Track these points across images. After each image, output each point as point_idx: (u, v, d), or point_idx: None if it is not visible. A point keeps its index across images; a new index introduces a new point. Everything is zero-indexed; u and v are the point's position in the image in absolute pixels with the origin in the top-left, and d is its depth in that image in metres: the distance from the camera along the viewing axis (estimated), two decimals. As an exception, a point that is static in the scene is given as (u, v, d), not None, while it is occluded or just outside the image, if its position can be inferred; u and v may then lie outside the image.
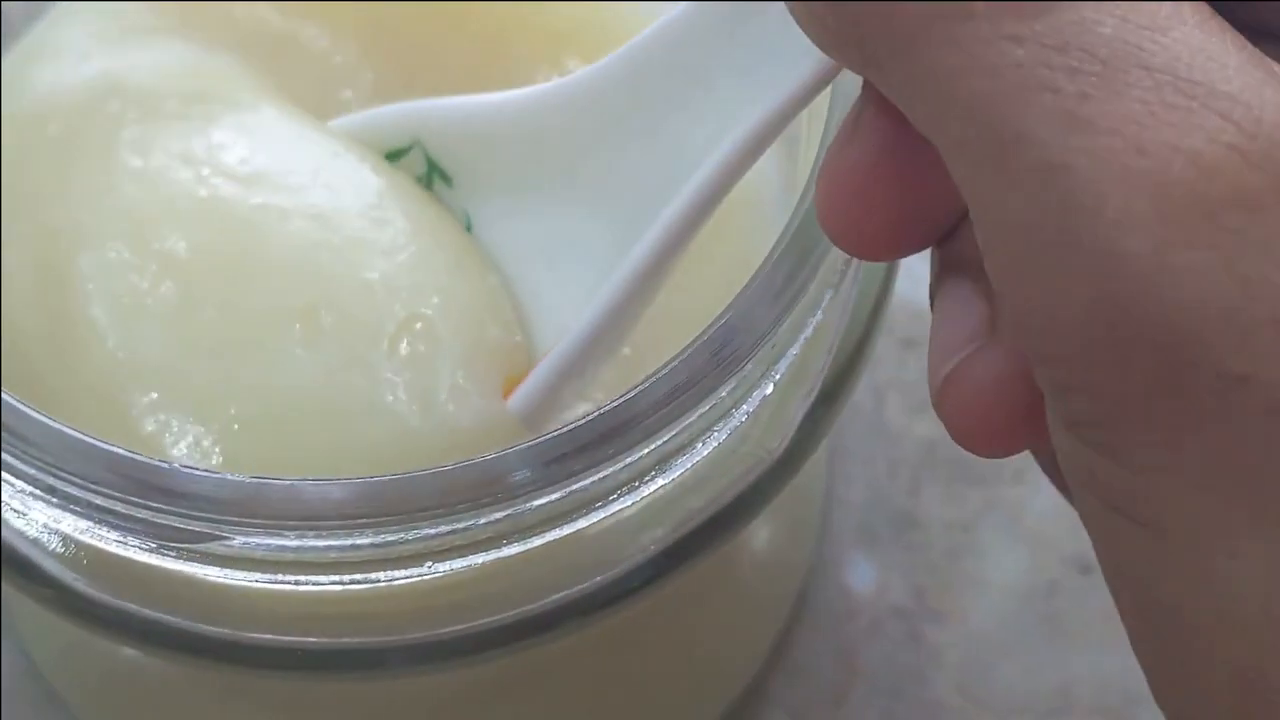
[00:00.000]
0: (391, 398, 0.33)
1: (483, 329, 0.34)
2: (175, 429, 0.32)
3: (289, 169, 0.34)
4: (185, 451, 0.32)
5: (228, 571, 0.30)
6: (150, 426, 0.32)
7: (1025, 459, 0.44)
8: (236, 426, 0.32)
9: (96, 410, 0.32)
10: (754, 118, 0.29)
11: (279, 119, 0.35)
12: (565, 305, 0.34)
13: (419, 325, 0.34)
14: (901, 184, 0.25)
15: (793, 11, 0.25)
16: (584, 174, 0.33)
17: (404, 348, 0.33)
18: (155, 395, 0.33)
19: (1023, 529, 0.45)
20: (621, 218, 0.33)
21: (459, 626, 0.32)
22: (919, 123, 0.23)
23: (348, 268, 0.34)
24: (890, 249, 0.26)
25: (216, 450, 0.32)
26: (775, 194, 0.36)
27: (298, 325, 0.33)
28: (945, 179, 0.23)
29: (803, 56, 0.28)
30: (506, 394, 0.34)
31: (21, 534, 0.31)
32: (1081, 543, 0.44)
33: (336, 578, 0.30)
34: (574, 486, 0.30)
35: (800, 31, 0.25)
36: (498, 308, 0.34)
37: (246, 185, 0.34)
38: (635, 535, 0.32)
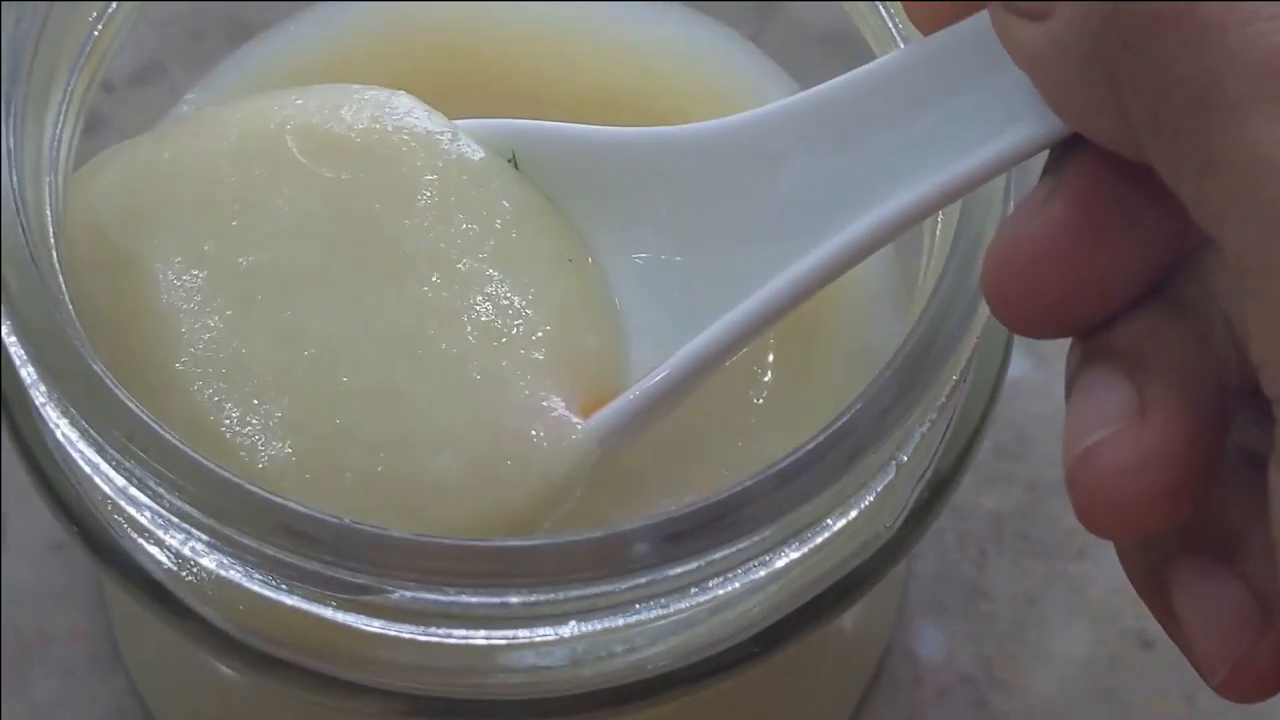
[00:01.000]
0: (474, 393, 0.34)
1: (579, 338, 0.35)
2: (263, 429, 0.33)
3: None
4: (272, 457, 0.33)
5: (381, 622, 0.32)
6: (236, 427, 0.33)
7: (1087, 537, 0.47)
8: (330, 429, 0.33)
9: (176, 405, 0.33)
10: (928, 184, 0.30)
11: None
12: (650, 333, 0.35)
13: (517, 321, 0.35)
14: (1079, 265, 0.26)
15: (1045, 73, 0.25)
16: (696, 217, 0.34)
17: (496, 341, 0.34)
18: (254, 399, 0.34)
19: (1086, 603, 0.47)
20: (727, 262, 0.34)
21: (573, 688, 0.33)
22: (1203, 202, 0.24)
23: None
24: (1053, 328, 0.27)
25: (309, 457, 0.33)
26: (879, 291, 0.38)
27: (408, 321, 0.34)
28: (1125, 265, 0.24)
29: (1000, 127, 0.29)
30: (585, 410, 0.35)
31: (175, 574, 0.33)
32: (1143, 619, 0.46)
33: (484, 632, 0.32)
34: (695, 564, 0.32)
35: (1004, 99, 0.26)
36: (596, 320, 0.36)
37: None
38: (748, 609, 0.34)
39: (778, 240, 0.33)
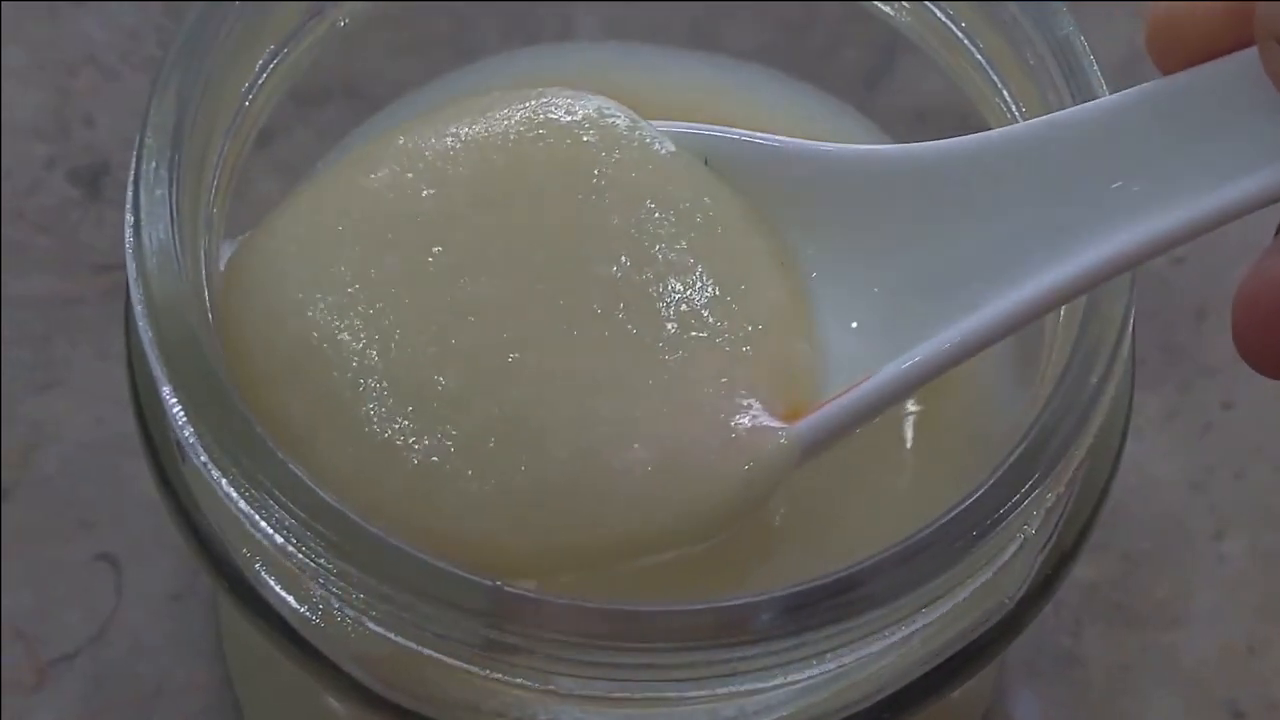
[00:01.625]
0: (674, 380, 0.32)
1: (792, 342, 0.34)
2: (431, 419, 0.32)
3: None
4: (440, 451, 0.32)
5: (524, 679, 0.33)
6: (400, 420, 0.32)
7: (1180, 607, 0.47)
8: (503, 416, 0.32)
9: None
10: (1170, 217, 0.30)
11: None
12: (838, 348, 0.34)
13: (724, 316, 0.33)
14: None
15: None
16: (896, 237, 0.34)
17: (697, 332, 0.33)
18: (419, 385, 0.33)
19: (1179, 672, 0.48)
20: (925, 286, 0.34)
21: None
22: None
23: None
24: None
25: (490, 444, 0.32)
26: (1001, 375, 0.40)
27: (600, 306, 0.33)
28: None
29: (1254, 167, 0.29)
30: (785, 417, 0.33)
31: (321, 629, 0.34)
32: (1234, 689, 0.47)
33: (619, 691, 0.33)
34: (818, 635, 0.33)
35: (1258, 139, 0.26)
36: (808, 326, 0.34)
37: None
38: (868, 679, 0.35)
39: (983, 273, 0.33)
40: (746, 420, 0.32)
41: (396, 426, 0.33)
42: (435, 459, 0.32)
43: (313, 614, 0.34)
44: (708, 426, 0.32)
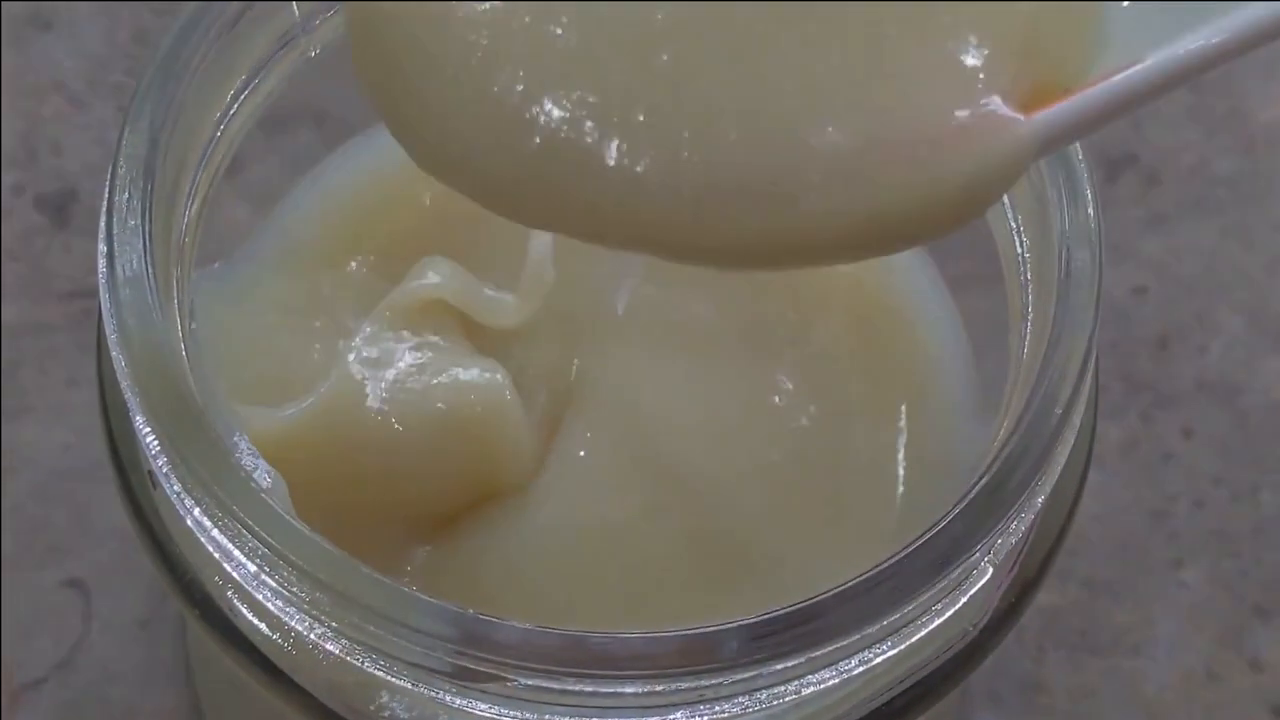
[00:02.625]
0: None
1: (1052, 14, 0.28)
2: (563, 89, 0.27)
3: None
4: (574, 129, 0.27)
5: (494, 708, 0.33)
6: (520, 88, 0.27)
7: (1142, 633, 0.48)
8: (662, 83, 0.26)
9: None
10: None
11: None
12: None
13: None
14: None
15: None
16: None
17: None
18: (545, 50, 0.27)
19: (1141, 698, 0.48)
20: None
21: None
22: None
23: None
24: None
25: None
26: (965, 405, 0.40)
27: None
28: None
29: None
30: (1024, 105, 0.28)
31: (293, 656, 0.34)
32: (1195, 714, 0.48)
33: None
34: (782, 665, 0.33)
35: None
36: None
37: None
38: (833, 705, 0.35)
39: None
40: (978, 103, 0.27)
41: (526, 88, 0.27)
42: (569, 132, 0.27)
43: (284, 641, 0.34)
44: (928, 105, 0.26)
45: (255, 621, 0.35)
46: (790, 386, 0.40)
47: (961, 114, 0.26)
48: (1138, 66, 0.28)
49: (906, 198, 0.27)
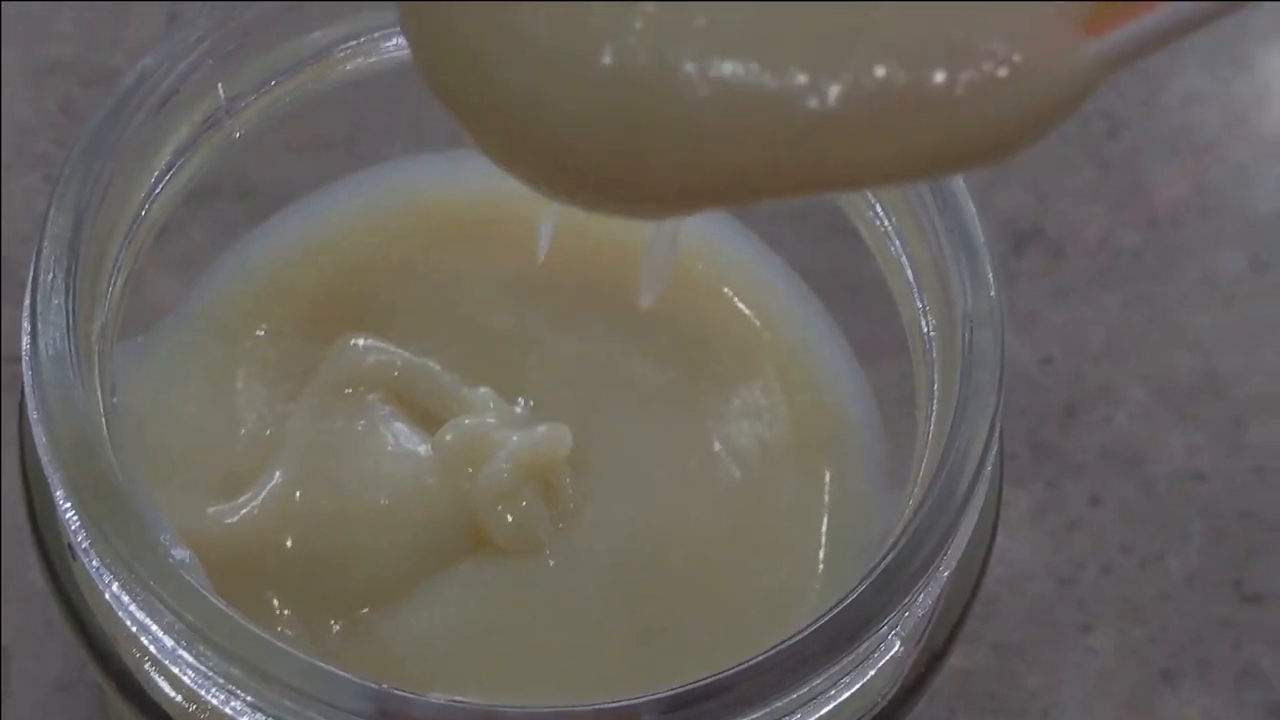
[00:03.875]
0: None
1: None
2: None
3: None
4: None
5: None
6: None
7: (1050, 697, 0.49)
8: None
9: None
10: None
11: None
12: None
13: None
14: None
15: None
16: None
17: None
18: None
19: (1048, 762, 0.50)
20: None
21: None
22: None
23: None
24: None
25: None
26: (874, 478, 0.41)
27: None
28: None
29: None
30: (1086, 25, 0.28)
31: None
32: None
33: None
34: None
35: None
36: None
37: None
38: None
39: None
40: (1036, 24, 0.27)
41: (621, 45, 0.27)
42: (666, 81, 0.27)
43: (201, 713, 0.35)
44: (981, 29, 0.27)
45: (172, 694, 0.35)
46: (718, 449, 0.41)
47: (1028, 35, 0.27)
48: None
49: (979, 119, 0.27)
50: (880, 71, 0.27)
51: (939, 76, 0.27)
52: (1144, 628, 0.51)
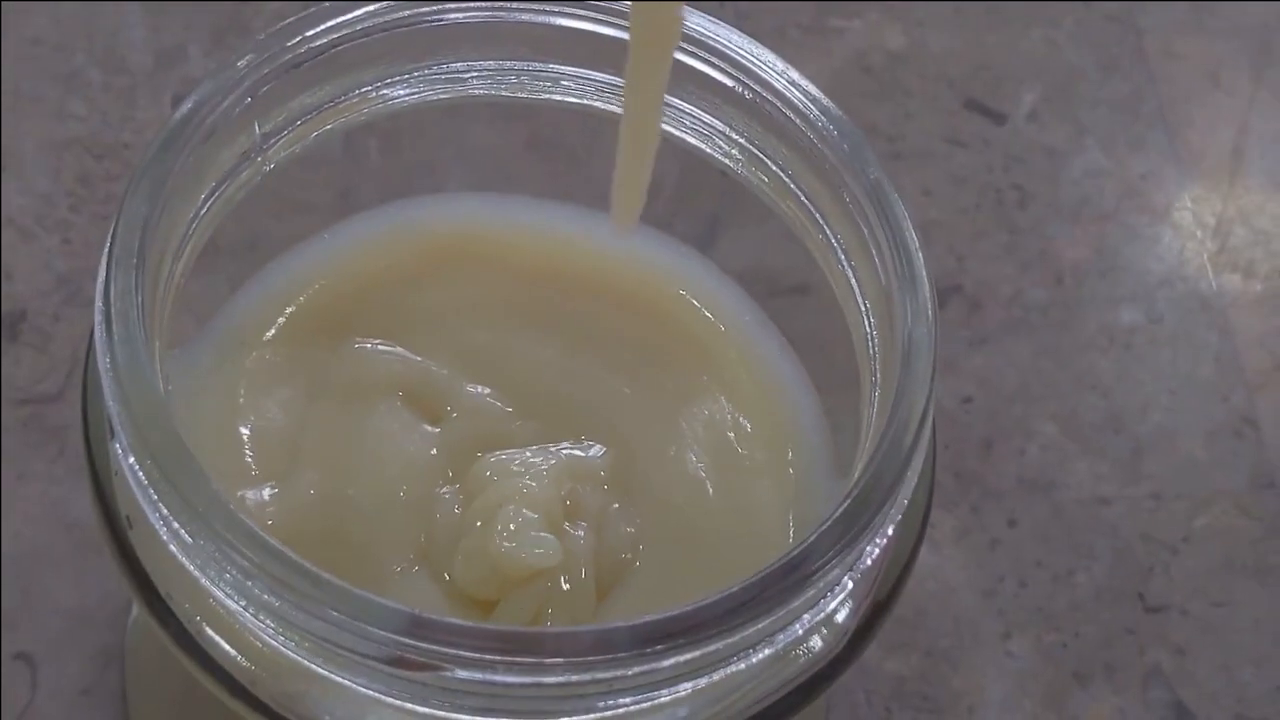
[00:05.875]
0: None
1: None
2: None
3: None
4: None
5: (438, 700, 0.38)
6: None
7: (975, 697, 0.53)
8: None
9: None
10: None
11: None
12: None
13: None
14: None
15: None
16: None
17: None
18: None
19: (977, 753, 0.54)
20: None
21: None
22: None
23: None
24: None
25: None
26: (820, 466, 0.45)
27: None
28: None
29: None
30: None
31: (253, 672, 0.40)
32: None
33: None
34: (668, 661, 0.37)
35: None
36: None
37: None
38: (700, 714, 0.39)
39: None
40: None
41: None
42: None
43: (249, 661, 0.39)
44: None
45: (230, 651, 0.39)
46: (692, 446, 0.45)
47: None
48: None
49: None
50: None
51: None
52: (1058, 634, 0.55)
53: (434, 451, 0.44)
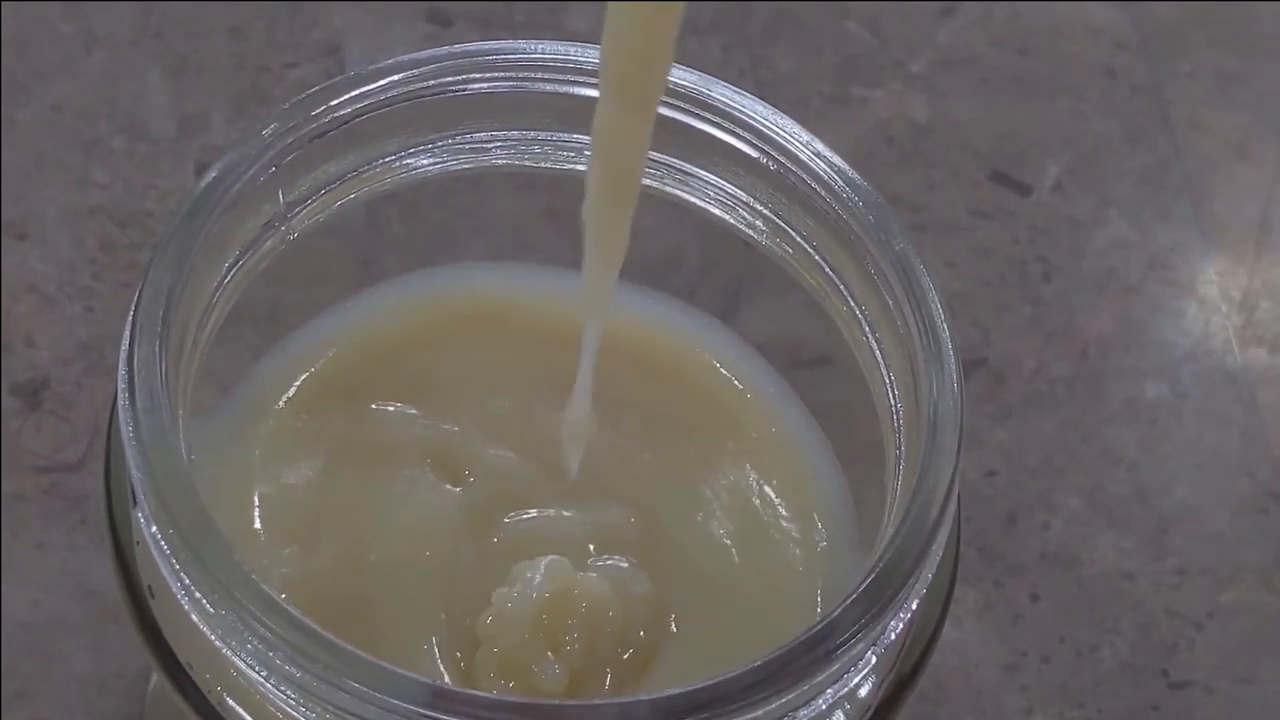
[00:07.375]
0: None
1: None
2: None
3: None
4: None
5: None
6: None
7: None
8: None
9: None
10: None
11: None
12: None
13: None
14: None
15: None
16: None
17: None
18: None
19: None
20: None
21: None
22: None
23: None
24: None
25: None
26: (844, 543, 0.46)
27: None
28: None
29: None
30: None
31: None
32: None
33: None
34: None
35: None
36: None
37: None
38: None
39: None
40: None
41: None
42: None
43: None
44: None
45: (239, 710, 0.40)
46: (719, 515, 0.46)
47: None
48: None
49: None
50: None
51: None
52: (1081, 711, 0.55)
53: (456, 516, 0.44)
